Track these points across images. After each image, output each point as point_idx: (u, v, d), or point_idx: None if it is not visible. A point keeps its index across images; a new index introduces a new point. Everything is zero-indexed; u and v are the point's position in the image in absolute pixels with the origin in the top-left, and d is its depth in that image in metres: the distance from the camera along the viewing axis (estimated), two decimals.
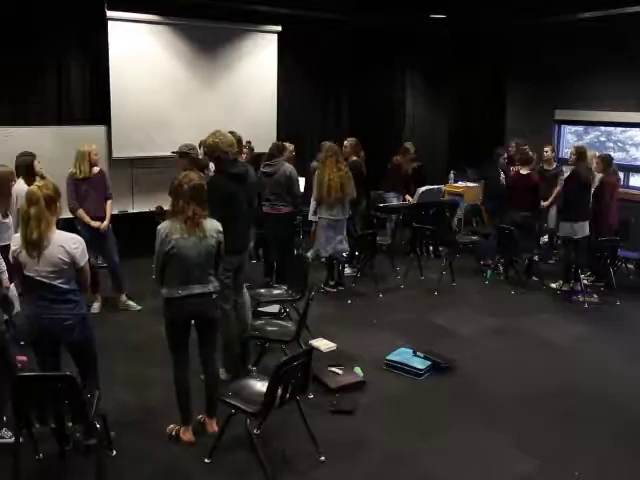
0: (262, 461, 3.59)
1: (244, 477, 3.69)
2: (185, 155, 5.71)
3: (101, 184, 6.14)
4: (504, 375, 5.08)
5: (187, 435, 3.99)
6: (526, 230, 7.20)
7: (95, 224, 6.01)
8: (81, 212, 5.98)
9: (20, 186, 5.16)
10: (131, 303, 6.40)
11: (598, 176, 7.19)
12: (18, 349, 4.91)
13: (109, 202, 6.20)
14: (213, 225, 3.89)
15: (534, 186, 7.22)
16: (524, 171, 7.29)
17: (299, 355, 3.66)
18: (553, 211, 7.91)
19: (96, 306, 6.22)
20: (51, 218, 3.50)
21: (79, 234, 5.32)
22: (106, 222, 6.12)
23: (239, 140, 5.57)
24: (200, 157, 5.80)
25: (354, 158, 7.49)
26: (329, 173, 6.63)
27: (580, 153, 6.96)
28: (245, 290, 4.95)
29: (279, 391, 3.54)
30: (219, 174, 4.66)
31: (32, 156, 5.58)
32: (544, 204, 7.61)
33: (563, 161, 8.28)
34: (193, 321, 3.98)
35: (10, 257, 3.60)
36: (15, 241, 3.55)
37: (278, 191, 6.62)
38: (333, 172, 6.63)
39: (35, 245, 3.44)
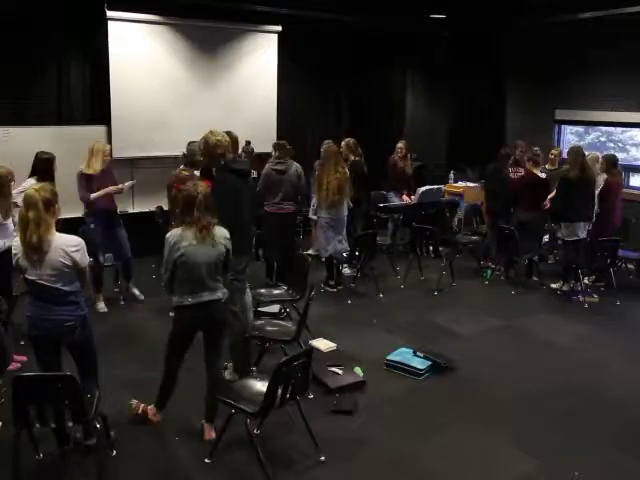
0: (262, 461, 3.59)
1: (244, 477, 3.69)
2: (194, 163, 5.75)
3: (110, 177, 6.17)
4: (504, 375, 5.09)
5: (157, 417, 4.05)
6: (531, 230, 7.22)
7: (113, 188, 6.06)
8: (95, 194, 5.93)
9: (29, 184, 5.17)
10: (136, 292, 6.54)
11: (602, 177, 7.17)
12: (18, 349, 4.93)
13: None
14: (222, 232, 3.91)
15: (546, 187, 7.26)
16: (538, 172, 7.28)
17: (299, 355, 3.66)
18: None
19: (102, 305, 6.23)
20: (50, 221, 3.48)
21: (87, 232, 5.38)
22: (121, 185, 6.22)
23: (236, 140, 5.54)
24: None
25: (353, 158, 7.49)
26: (327, 176, 6.68)
27: (572, 152, 6.94)
28: (248, 290, 4.95)
29: (279, 391, 3.54)
30: (222, 171, 4.63)
31: (52, 156, 5.67)
32: (546, 204, 7.61)
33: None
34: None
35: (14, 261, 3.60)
36: (16, 245, 3.54)
37: (288, 190, 6.64)
38: (331, 174, 6.67)
39: (35, 249, 3.42)
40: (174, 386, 4.05)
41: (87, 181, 5.92)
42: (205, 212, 3.79)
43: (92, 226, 5.99)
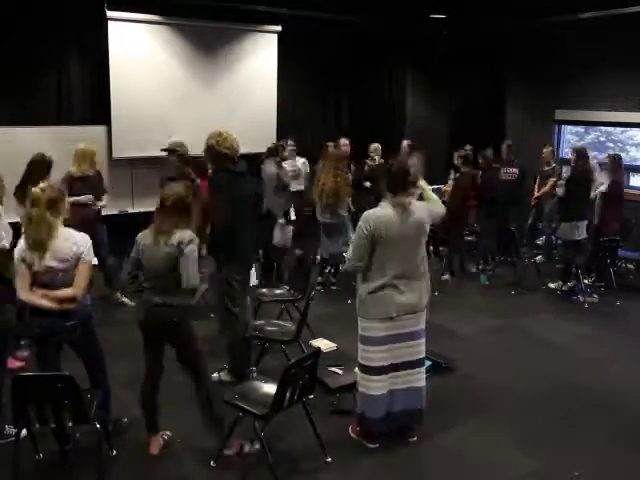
0: (271, 463, 3.56)
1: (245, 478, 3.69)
2: (172, 152, 5.63)
3: (95, 184, 6.06)
4: (504, 375, 5.09)
5: (152, 447, 3.85)
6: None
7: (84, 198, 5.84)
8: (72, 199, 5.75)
9: None
10: (125, 300, 6.33)
11: (605, 177, 7.15)
12: (18, 349, 4.93)
13: (103, 196, 6.15)
14: (184, 235, 3.60)
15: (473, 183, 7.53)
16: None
17: (307, 357, 3.65)
18: (547, 209, 8.00)
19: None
20: (54, 220, 3.50)
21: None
22: (102, 202, 6.11)
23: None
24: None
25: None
26: (324, 178, 6.68)
27: (577, 152, 6.93)
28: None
29: (288, 393, 3.52)
30: (220, 172, 4.58)
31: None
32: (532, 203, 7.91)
33: (566, 162, 8.28)
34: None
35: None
36: (21, 244, 3.55)
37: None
38: (329, 178, 6.66)
39: (38, 246, 3.45)
40: (154, 414, 3.85)
41: (70, 184, 5.74)
42: (168, 214, 3.60)
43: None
